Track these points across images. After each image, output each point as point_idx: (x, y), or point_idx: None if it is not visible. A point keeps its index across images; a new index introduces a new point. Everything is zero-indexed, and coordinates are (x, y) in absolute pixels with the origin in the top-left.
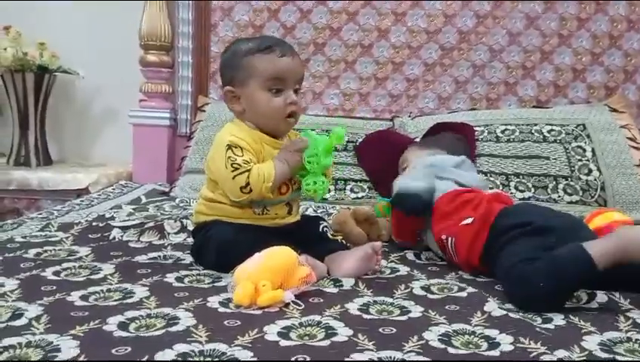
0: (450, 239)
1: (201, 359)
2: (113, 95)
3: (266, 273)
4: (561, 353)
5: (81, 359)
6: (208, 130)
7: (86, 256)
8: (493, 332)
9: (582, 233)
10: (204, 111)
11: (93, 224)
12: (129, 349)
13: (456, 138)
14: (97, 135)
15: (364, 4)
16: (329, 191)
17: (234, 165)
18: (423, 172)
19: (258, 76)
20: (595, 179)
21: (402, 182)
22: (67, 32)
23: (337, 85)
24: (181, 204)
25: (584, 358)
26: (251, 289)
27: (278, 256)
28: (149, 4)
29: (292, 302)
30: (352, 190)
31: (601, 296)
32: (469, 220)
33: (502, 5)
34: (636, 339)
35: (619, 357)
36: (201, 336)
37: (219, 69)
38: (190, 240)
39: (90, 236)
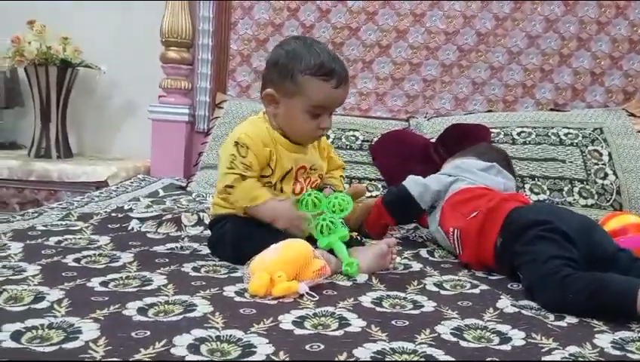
0: (455, 231)
1: (218, 344)
2: (133, 90)
3: (282, 264)
4: (572, 349)
5: (101, 341)
6: (225, 126)
7: (105, 244)
8: (505, 328)
9: (593, 234)
10: (221, 108)
11: (112, 215)
12: (148, 333)
13: (496, 149)
14: (117, 129)
15: (383, 4)
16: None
17: (232, 163)
18: (438, 177)
19: (307, 98)
20: (611, 183)
21: (408, 180)
22: (90, 27)
23: (354, 84)
24: (197, 198)
25: (596, 354)
26: (267, 279)
27: (294, 248)
28: (171, 3)
29: (306, 293)
30: (366, 189)
31: None
32: (475, 213)
33: (521, 7)
34: None
35: (630, 355)
36: (217, 323)
37: (268, 62)
38: (207, 232)
39: (109, 226)
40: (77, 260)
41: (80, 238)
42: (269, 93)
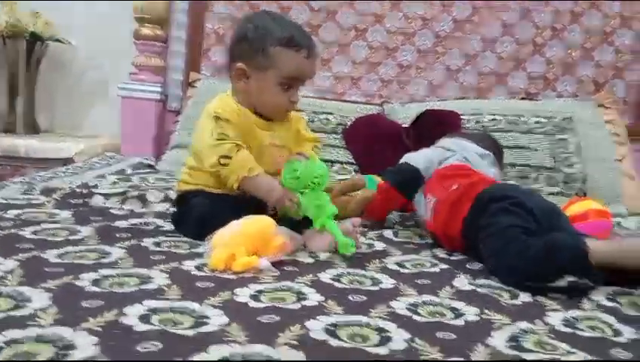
0: (433, 200)
1: (171, 315)
2: (106, 67)
3: (243, 240)
4: (523, 324)
5: (51, 309)
6: (198, 106)
7: (66, 219)
8: (459, 304)
9: (559, 219)
10: (195, 87)
11: (76, 190)
12: (100, 303)
13: (493, 139)
14: (88, 106)
15: None
16: None
17: (221, 135)
18: (440, 151)
19: (279, 70)
20: (577, 172)
21: (410, 156)
22: (63, 3)
23: (330, 68)
24: (166, 177)
25: (546, 330)
26: (227, 254)
27: (255, 224)
28: None
29: (267, 268)
30: (338, 172)
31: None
32: (455, 186)
33: None
34: (598, 318)
35: (579, 333)
36: (172, 295)
37: (235, 38)
38: (173, 209)
39: (71, 201)
40: (35, 232)
41: (40, 212)
42: (240, 68)
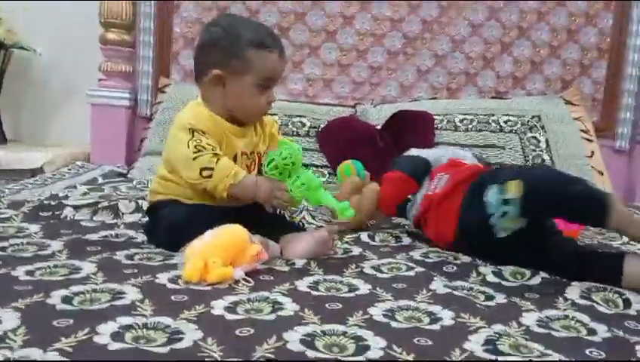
0: (444, 176)
1: (144, 331)
2: (73, 74)
3: (217, 250)
4: (498, 327)
5: (20, 330)
6: (169, 111)
7: (35, 233)
8: (436, 308)
9: None
10: (164, 92)
11: (45, 202)
12: (71, 321)
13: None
14: (56, 115)
15: None
16: None
17: (198, 147)
18: (433, 150)
19: (256, 72)
20: None
21: (414, 150)
22: (26, 9)
23: (301, 70)
24: (138, 186)
25: (521, 332)
26: (201, 265)
27: (228, 234)
28: None
29: (242, 279)
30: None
31: (544, 275)
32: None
33: None
34: (573, 317)
35: (554, 333)
36: (146, 310)
37: (204, 44)
38: (145, 219)
39: (41, 214)
40: (3, 248)
41: (8, 226)
42: (216, 75)
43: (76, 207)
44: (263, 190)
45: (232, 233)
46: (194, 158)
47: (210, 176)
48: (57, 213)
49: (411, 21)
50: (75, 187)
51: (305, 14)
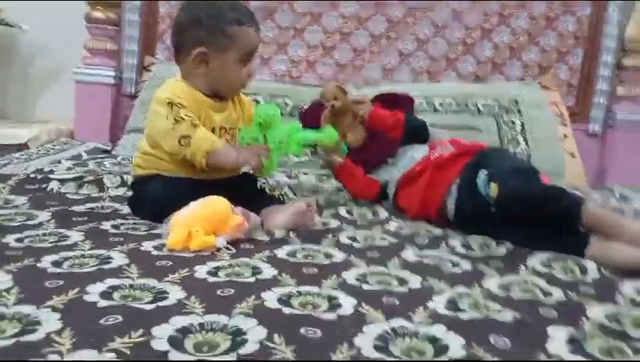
0: (448, 147)
1: (131, 291)
2: (59, 52)
3: (200, 220)
4: (461, 289)
5: (14, 290)
6: (154, 90)
7: (22, 204)
8: (405, 274)
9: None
10: (149, 71)
11: (31, 176)
12: (62, 282)
13: None
14: (41, 92)
15: None
16: None
17: (176, 117)
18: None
19: (238, 47)
20: (522, 151)
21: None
22: None
23: (285, 52)
24: (123, 162)
25: (481, 294)
26: (184, 234)
27: (211, 205)
28: None
29: (224, 246)
30: (295, 155)
31: (509, 245)
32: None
33: None
34: (531, 281)
35: (512, 295)
36: (132, 273)
37: (185, 23)
38: (130, 193)
39: (27, 187)
40: None
41: None
42: (201, 52)
43: (62, 181)
44: (244, 154)
45: (214, 204)
46: (173, 128)
47: (188, 145)
48: (43, 186)
49: (395, 6)
50: (59, 162)
51: None
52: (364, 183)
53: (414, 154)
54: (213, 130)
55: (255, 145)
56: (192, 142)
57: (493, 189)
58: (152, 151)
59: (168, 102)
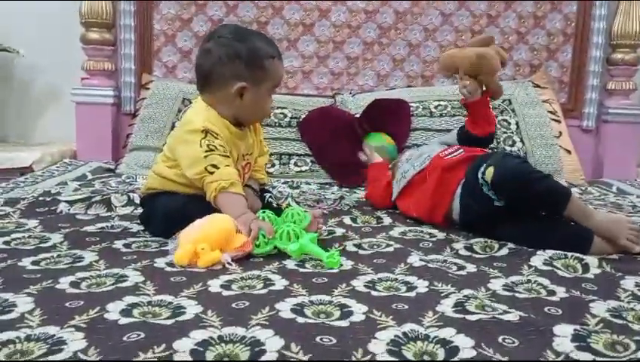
0: (460, 150)
1: (149, 308)
2: (55, 74)
3: (205, 238)
4: (467, 291)
5: (36, 311)
6: (153, 107)
7: (34, 227)
8: (412, 279)
9: None
10: (148, 88)
11: (40, 199)
12: (81, 302)
13: None
14: (39, 114)
15: None
16: (273, 165)
17: (210, 146)
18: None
19: (271, 80)
20: (518, 150)
21: None
22: (6, 10)
23: None
24: (127, 180)
25: (488, 295)
26: (190, 250)
27: (217, 223)
28: None
29: (227, 263)
30: (295, 164)
31: (511, 246)
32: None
33: None
34: (535, 281)
35: (517, 295)
36: (149, 290)
37: (227, 56)
38: (137, 212)
39: (37, 210)
40: (6, 243)
41: (8, 223)
42: (242, 87)
43: (70, 202)
44: (244, 217)
45: (220, 223)
46: (205, 157)
47: (212, 173)
48: (53, 208)
49: (385, 12)
50: (65, 183)
51: (282, 8)
52: (384, 190)
53: (431, 154)
54: (237, 157)
55: (260, 221)
56: (216, 172)
57: (489, 172)
58: (166, 173)
59: (203, 130)
